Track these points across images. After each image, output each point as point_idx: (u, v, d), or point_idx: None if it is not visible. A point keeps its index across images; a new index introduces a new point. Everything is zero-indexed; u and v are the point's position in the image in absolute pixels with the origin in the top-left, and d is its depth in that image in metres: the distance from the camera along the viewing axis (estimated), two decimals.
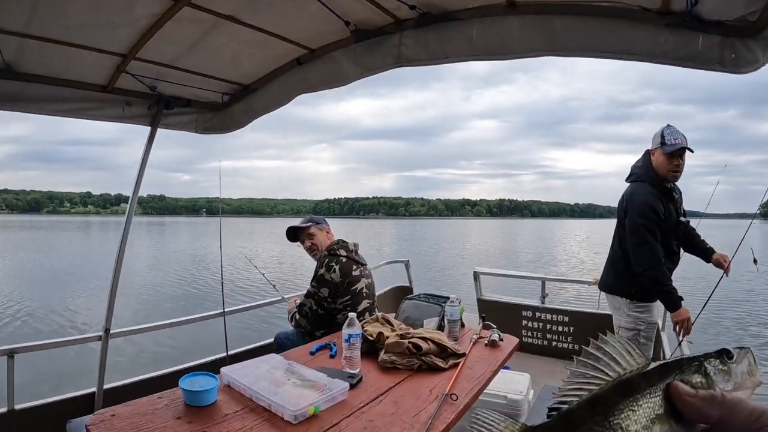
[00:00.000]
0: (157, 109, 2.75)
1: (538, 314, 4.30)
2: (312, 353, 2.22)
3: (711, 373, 0.41)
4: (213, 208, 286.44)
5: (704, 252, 2.97)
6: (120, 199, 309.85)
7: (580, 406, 0.41)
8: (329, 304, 2.68)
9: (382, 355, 2.06)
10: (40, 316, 10.22)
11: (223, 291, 3.46)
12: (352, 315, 2.00)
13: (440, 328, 2.54)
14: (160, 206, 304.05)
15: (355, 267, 2.78)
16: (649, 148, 2.85)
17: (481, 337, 2.44)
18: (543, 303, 4.32)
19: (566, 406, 0.42)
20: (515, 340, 2.47)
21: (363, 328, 2.17)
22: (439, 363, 2.02)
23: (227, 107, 3.00)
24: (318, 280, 2.68)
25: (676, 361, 0.42)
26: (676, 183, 2.82)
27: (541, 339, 4.29)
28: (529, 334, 4.33)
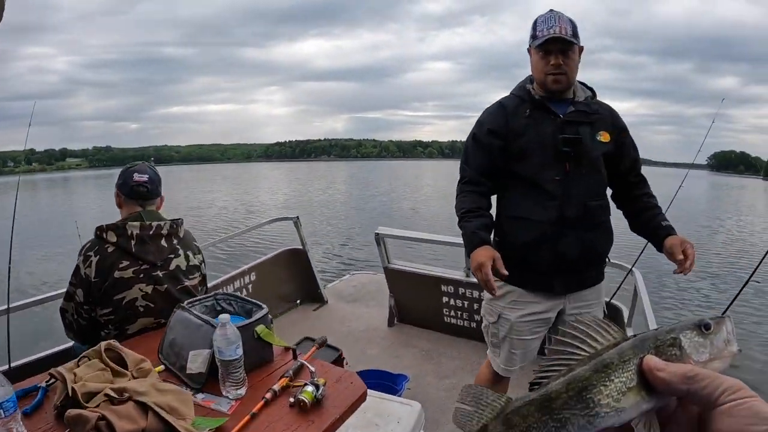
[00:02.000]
0: None
1: (462, 290, 3.32)
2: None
3: (686, 345, 0.41)
4: (162, 156, 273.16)
5: (655, 232, 1.78)
6: (66, 154, 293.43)
7: (557, 381, 0.41)
8: (87, 313, 1.77)
9: None
10: None
11: (9, 280, 2.17)
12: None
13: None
14: (106, 158, 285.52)
15: (126, 264, 1.73)
16: None
17: (291, 386, 1.34)
18: (468, 276, 3.25)
19: (546, 380, 0.43)
20: (359, 390, 1.36)
21: (68, 372, 1.25)
22: None
23: None
24: (74, 274, 1.77)
25: (653, 334, 0.42)
26: (589, 98, 1.77)
27: (468, 320, 3.34)
28: (452, 313, 3.40)
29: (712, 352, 0.40)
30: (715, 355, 0.40)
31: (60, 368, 1.28)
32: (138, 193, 1.87)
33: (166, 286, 1.80)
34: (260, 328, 1.44)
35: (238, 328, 1.31)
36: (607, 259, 1.87)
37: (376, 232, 3.45)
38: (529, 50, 1.74)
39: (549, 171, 1.68)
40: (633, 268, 2.62)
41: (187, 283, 1.87)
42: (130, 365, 1.33)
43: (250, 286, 3.50)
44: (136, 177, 1.89)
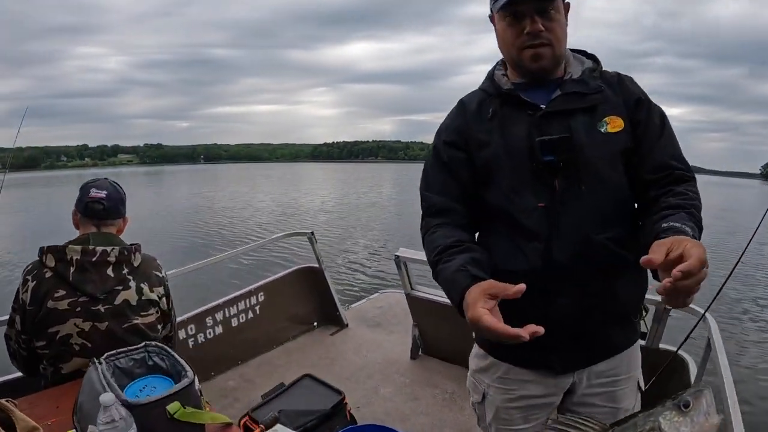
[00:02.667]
0: None
1: None
2: None
3: (666, 428, 0.43)
4: (211, 154, 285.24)
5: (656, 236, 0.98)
6: (117, 150, 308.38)
7: None
8: (25, 343, 1.56)
9: None
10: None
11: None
12: None
13: None
14: (157, 155, 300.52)
15: (62, 293, 1.49)
16: None
17: None
18: None
19: None
20: None
21: None
22: None
23: None
24: (15, 298, 1.56)
25: (632, 423, 0.44)
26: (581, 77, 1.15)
27: None
28: None
29: (693, 429, 0.43)
30: (699, 429, 0.43)
31: None
32: (93, 210, 1.61)
33: (107, 323, 1.53)
34: (173, 407, 1.08)
35: (138, 406, 1.00)
36: (642, 310, 1.29)
37: (397, 254, 3.05)
38: (491, 19, 1.18)
39: (526, 196, 1.11)
40: (706, 314, 2.08)
41: (138, 321, 1.59)
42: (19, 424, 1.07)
43: (257, 308, 3.21)
44: (93, 193, 1.63)
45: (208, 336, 2.90)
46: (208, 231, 14.02)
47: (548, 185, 1.10)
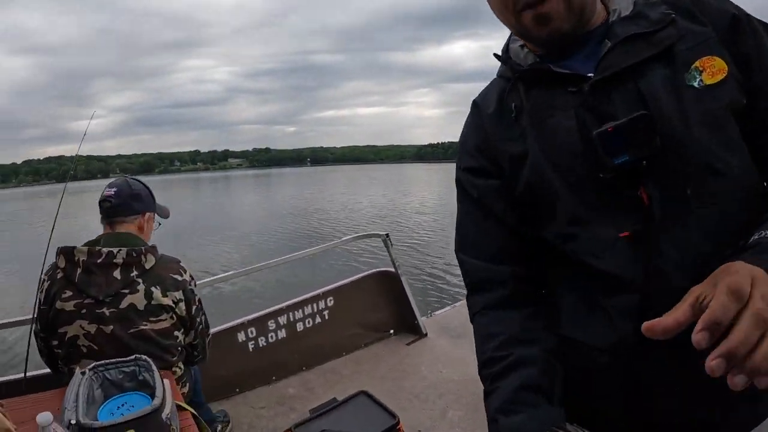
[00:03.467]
0: None
1: None
2: None
3: None
4: (317, 157, 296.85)
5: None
6: (227, 155, 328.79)
7: None
8: (43, 341, 1.59)
9: None
10: None
11: (38, 293, 1.66)
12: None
13: None
14: (266, 158, 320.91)
15: (69, 294, 1.49)
16: None
17: None
18: None
19: None
20: None
21: None
22: None
23: None
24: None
25: None
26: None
27: None
28: None
29: None
30: None
31: None
32: (102, 209, 1.62)
33: (111, 327, 1.49)
34: None
35: (89, 429, 0.90)
36: None
37: None
38: None
39: (597, 224, 0.70)
40: None
41: (146, 326, 1.52)
42: None
43: (326, 313, 3.08)
44: (104, 191, 1.63)
45: (270, 340, 2.83)
46: (296, 231, 14.57)
47: (631, 201, 0.67)
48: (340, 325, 3.14)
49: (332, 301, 3.11)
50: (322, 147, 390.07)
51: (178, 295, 1.60)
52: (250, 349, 2.74)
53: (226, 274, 3.14)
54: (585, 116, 0.68)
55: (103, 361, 1.24)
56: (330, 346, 3.08)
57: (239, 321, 2.72)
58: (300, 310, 2.95)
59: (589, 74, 0.69)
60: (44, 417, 0.89)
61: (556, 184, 0.71)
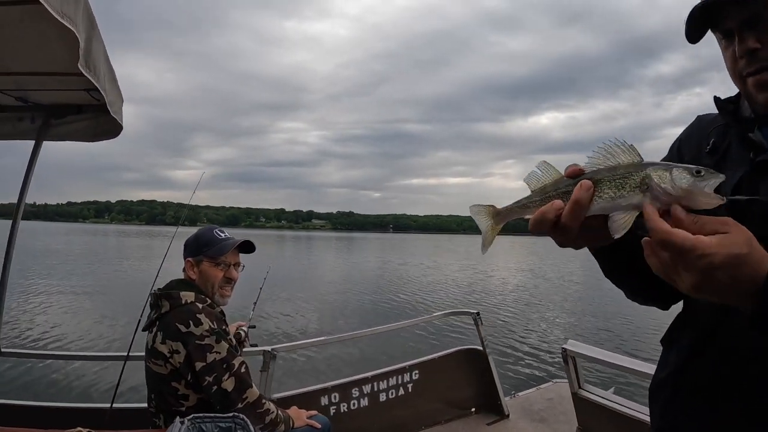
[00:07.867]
0: (42, 120, 2.35)
1: None
2: None
3: (675, 176, 0.53)
4: (400, 224, 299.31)
5: None
6: (311, 215, 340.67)
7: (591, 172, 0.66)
8: None
9: None
10: None
11: (135, 333, 2.04)
12: None
13: None
14: (348, 222, 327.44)
15: None
16: None
17: None
18: None
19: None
20: None
21: None
22: None
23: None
24: (218, 335, 1.63)
25: (651, 163, 0.59)
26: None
27: None
28: None
29: (692, 187, 0.55)
30: (691, 197, 0.55)
31: None
32: None
33: (145, 359, 1.69)
34: None
35: None
36: None
37: (564, 347, 2.76)
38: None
39: None
40: None
41: (151, 365, 1.65)
42: None
43: (410, 386, 3.07)
44: None
45: (352, 407, 2.85)
46: (378, 299, 14.37)
47: None
48: (423, 398, 3.12)
49: (417, 375, 3.11)
50: (405, 214, 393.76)
51: (176, 345, 1.57)
52: (331, 413, 2.78)
53: (318, 339, 3.28)
54: (743, 182, 0.78)
55: (201, 414, 1.29)
56: (410, 419, 3.06)
57: (324, 385, 2.79)
58: (385, 381, 2.98)
59: None
60: None
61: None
